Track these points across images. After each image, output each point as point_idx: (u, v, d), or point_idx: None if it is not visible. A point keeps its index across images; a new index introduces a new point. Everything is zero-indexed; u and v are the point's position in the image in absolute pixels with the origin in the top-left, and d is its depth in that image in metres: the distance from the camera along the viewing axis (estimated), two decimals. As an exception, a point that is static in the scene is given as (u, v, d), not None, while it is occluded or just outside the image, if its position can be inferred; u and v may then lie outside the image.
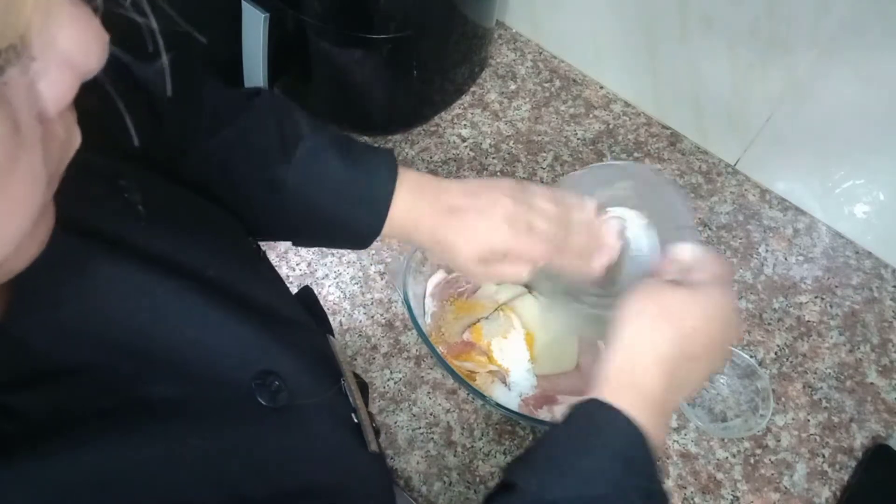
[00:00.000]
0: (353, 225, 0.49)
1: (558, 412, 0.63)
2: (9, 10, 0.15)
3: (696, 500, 0.65)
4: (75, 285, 0.28)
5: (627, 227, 0.55)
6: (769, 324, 0.75)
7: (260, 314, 0.37)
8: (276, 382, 0.35)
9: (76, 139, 0.21)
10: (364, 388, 0.58)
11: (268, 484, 0.32)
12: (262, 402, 0.33)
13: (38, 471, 0.23)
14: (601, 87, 0.94)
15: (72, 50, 0.18)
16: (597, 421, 0.40)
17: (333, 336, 0.53)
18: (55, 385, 0.26)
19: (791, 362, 0.73)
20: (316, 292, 0.74)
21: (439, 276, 0.71)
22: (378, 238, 0.50)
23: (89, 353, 0.28)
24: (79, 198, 0.21)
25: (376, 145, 0.52)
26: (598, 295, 0.54)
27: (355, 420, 0.43)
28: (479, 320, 0.68)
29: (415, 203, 0.49)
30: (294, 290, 0.75)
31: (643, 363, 0.41)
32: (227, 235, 0.42)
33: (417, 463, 0.65)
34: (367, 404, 0.52)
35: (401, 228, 0.50)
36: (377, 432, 0.49)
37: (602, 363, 0.43)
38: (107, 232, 0.30)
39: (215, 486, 0.29)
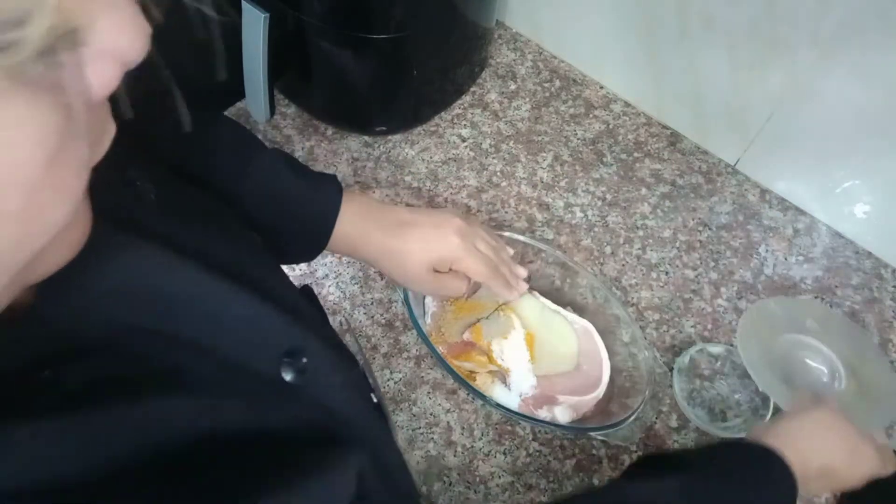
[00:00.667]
0: (301, 237, 0.53)
1: (558, 412, 0.63)
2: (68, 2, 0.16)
3: (696, 500, 0.65)
4: (104, 267, 0.29)
5: (818, 357, 0.69)
6: (769, 324, 0.75)
7: (278, 297, 0.38)
8: (304, 360, 0.35)
9: (112, 129, 0.22)
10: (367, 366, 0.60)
11: (295, 458, 0.32)
12: (288, 380, 0.34)
13: (79, 426, 0.24)
14: (601, 87, 0.94)
15: (119, 40, 0.18)
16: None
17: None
18: (88, 361, 0.26)
19: (791, 362, 0.73)
20: (316, 292, 0.74)
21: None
22: (326, 251, 0.54)
23: (120, 333, 0.29)
24: (97, 184, 0.22)
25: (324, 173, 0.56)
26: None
27: (375, 399, 0.44)
28: (478, 320, 0.68)
29: (363, 218, 0.54)
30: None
31: (803, 454, 0.49)
32: (233, 228, 0.43)
33: (417, 463, 0.65)
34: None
35: (347, 244, 0.54)
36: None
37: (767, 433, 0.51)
38: (127, 217, 0.31)
39: (245, 461, 0.30)
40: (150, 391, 0.27)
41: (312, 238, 0.53)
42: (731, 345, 0.73)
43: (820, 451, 0.51)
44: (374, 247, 0.54)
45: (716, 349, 0.72)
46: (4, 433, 0.22)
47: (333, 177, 0.55)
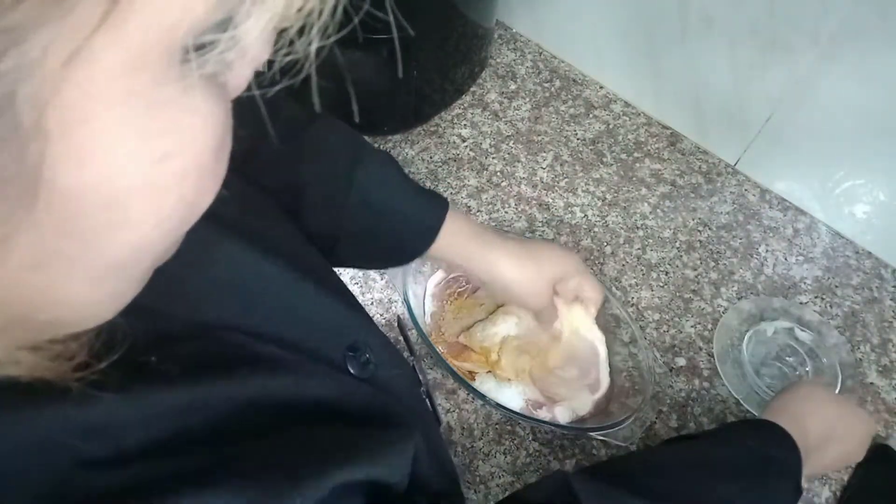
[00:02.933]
0: (397, 249, 0.53)
1: (558, 412, 0.63)
2: (280, 4, 0.17)
3: (696, 500, 0.65)
4: (198, 261, 0.30)
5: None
6: (769, 324, 0.75)
7: (339, 293, 0.40)
8: (367, 354, 0.37)
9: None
10: None
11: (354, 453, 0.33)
12: (353, 373, 0.36)
13: (181, 395, 0.26)
14: (601, 87, 0.94)
15: (258, 42, 0.19)
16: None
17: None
18: (181, 345, 0.28)
19: (791, 362, 0.73)
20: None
21: (439, 275, 0.71)
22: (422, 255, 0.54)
23: (210, 319, 0.30)
24: None
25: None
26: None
27: (425, 396, 0.45)
28: (475, 323, 0.68)
29: (466, 238, 0.54)
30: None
31: (801, 424, 0.51)
32: (292, 226, 0.44)
33: (417, 463, 0.65)
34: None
35: (447, 257, 0.54)
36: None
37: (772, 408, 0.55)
38: (215, 211, 0.32)
39: (321, 433, 0.31)
40: (241, 371, 0.29)
41: (409, 248, 0.53)
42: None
43: (816, 420, 0.53)
44: (490, 256, 0.55)
45: (804, 336, 0.74)
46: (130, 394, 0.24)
47: (439, 194, 0.55)
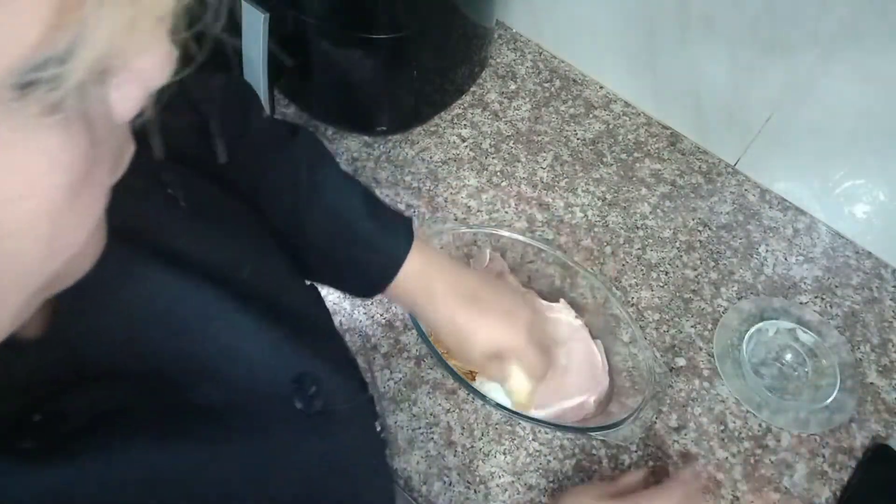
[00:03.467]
0: (359, 279, 0.51)
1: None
2: (112, 38, 0.16)
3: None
4: (118, 292, 0.28)
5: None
6: (769, 324, 0.75)
7: (291, 317, 0.37)
8: (314, 387, 0.35)
9: (131, 148, 0.22)
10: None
11: (302, 488, 0.32)
12: (299, 407, 0.34)
13: (81, 469, 0.24)
14: (601, 87, 0.94)
15: (147, 67, 0.18)
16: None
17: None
18: (98, 390, 0.26)
19: (791, 362, 0.73)
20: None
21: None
22: (383, 293, 0.52)
23: (132, 359, 0.28)
24: (121, 192, 0.22)
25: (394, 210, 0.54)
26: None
27: (379, 428, 0.44)
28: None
29: (429, 278, 0.52)
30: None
31: None
32: (259, 234, 0.43)
33: (417, 463, 0.65)
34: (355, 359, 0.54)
35: (407, 300, 0.52)
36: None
37: None
38: (148, 233, 0.31)
39: (255, 489, 0.30)
40: (161, 427, 0.27)
41: (370, 283, 0.52)
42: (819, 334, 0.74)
43: None
44: (438, 314, 0.52)
45: (805, 336, 0.74)
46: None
47: (408, 221, 0.52)
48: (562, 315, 0.69)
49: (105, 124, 0.19)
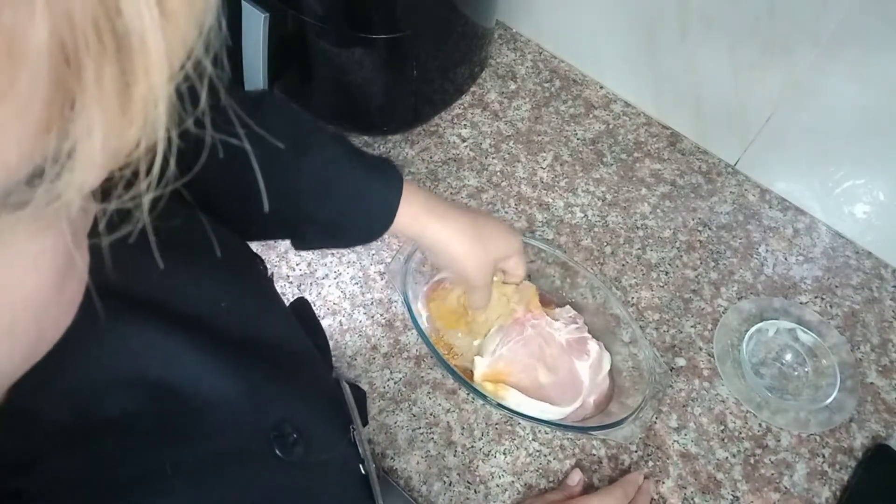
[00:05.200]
0: (357, 229, 0.51)
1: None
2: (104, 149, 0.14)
3: (696, 500, 0.65)
4: (86, 347, 0.26)
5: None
6: (769, 324, 0.75)
7: (271, 350, 0.36)
8: (294, 435, 0.34)
9: (93, 208, 0.20)
10: (362, 397, 0.58)
11: None
12: (279, 454, 0.33)
13: None
14: (601, 87, 0.94)
15: (108, 154, 0.17)
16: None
17: (332, 370, 0.55)
18: (60, 461, 0.25)
19: (791, 362, 0.73)
20: (316, 292, 0.74)
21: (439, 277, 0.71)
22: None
23: (101, 418, 0.27)
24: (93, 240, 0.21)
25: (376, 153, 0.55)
26: None
27: (363, 471, 0.44)
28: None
29: (427, 201, 0.54)
30: (295, 291, 0.75)
31: None
32: (239, 260, 0.42)
33: (417, 463, 0.65)
34: (365, 414, 0.53)
35: (410, 225, 0.54)
36: (382, 475, 0.50)
37: None
38: (116, 281, 0.30)
39: None
40: (138, 489, 0.26)
41: (369, 230, 0.53)
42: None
43: None
44: (447, 231, 0.55)
45: (805, 336, 0.74)
46: None
47: (392, 166, 0.54)
48: (563, 321, 0.69)
49: (81, 206, 0.17)
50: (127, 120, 0.14)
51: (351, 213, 0.51)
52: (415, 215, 0.53)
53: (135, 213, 0.16)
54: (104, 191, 0.16)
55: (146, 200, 0.16)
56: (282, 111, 0.50)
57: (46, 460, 0.24)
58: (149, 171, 0.15)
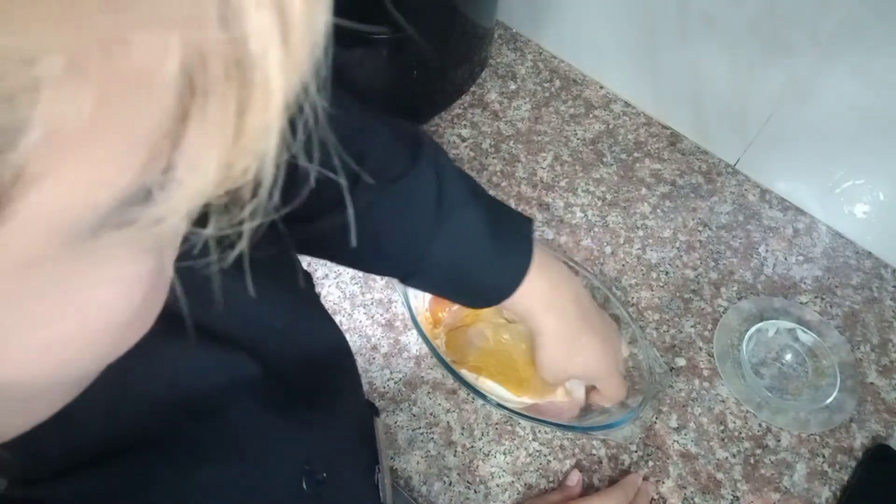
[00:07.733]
0: (473, 298, 0.51)
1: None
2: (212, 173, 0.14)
3: (696, 500, 0.65)
4: (134, 363, 0.26)
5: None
6: (769, 324, 0.75)
7: (314, 382, 0.36)
8: (323, 473, 0.35)
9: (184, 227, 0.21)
10: (373, 412, 0.58)
11: None
12: (307, 490, 0.33)
13: None
14: (601, 87, 0.94)
15: (216, 180, 0.17)
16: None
17: (378, 415, 0.54)
18: (98, 472, 0.25)
19: (791, 362, 0.73)
20: (315, 292, 0.74)
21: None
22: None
23: (137, 433, 0.27)
24: None
25: (518, 216, 0.53)
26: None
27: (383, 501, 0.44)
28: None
29: (545, 288, 0.52)
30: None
31: None
32: (296, 278, 0.40)
33: (417, 463, 0.65)
34: (374, 431, 0.53)
35: (522, 304, 0.52)
36: None
37: None
38: (177, 303, 0.28)
39: None
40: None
41: (476, 303, 0.52)
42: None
43: None
44: (546, 327, 0.53)
45: (805, 336, 0.74)
46: None
47: (527, 235, 0.51)
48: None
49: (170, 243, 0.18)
50: (239, 149, 0.14)
51: (468, 287, 0.50)
52: (529, 306, 0.52)
53: (225, 239, 0.16)
54: (199, 217, 0.16)
55: (247, 228, 0.16)
56: (435, 164, 0.46)
57: (80, 473, 0.24)
58: (251, 198, 0.15)
